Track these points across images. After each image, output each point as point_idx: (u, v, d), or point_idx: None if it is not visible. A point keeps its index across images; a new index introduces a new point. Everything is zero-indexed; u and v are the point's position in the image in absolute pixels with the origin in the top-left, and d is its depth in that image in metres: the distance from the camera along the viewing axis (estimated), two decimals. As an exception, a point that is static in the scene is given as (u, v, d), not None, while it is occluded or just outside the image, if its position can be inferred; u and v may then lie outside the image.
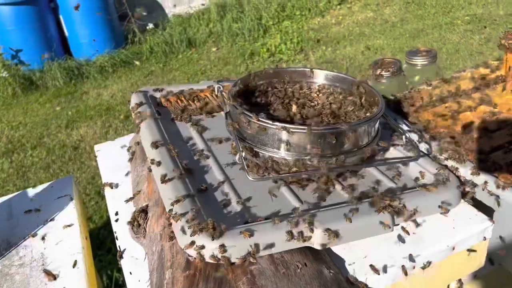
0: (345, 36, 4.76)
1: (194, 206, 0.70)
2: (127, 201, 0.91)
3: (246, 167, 0.73)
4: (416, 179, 0.83)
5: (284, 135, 0.75)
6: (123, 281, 2.33)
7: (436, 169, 0.83)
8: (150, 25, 5.45)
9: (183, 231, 0.65)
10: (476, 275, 0.90)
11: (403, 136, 0.84)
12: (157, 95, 1.10)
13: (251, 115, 0.77)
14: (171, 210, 0.70)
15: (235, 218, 0.71)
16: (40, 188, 1.16)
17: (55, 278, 0.87)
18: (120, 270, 2.19)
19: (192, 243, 0.64)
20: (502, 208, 0.77)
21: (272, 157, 0.77)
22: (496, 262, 0.83)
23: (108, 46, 5.10)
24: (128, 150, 1.07)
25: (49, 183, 1.17)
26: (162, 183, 0.76)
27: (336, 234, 0.67)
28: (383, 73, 1.25)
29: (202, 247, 0.63)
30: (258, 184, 0.79)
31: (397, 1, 5.46)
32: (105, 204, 3.07)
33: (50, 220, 1.04)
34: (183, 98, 1.07)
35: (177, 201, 0.70)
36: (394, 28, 4.75)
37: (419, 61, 1.29)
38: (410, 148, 0.87)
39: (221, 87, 0.92)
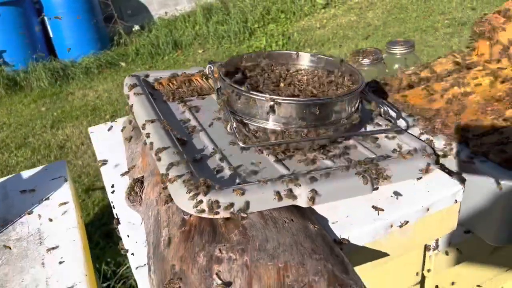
0: (329, 39, 4.86)
1: (188, 169, 0.75)
2: (122, 174, 0.95)
3: (237, 134, 0.79)
4: (394, 150, 0.90)
5: (272, 106, 0.80)
6: (111, 273, 2.34)
7: (412, 140, 0.90)
8: (136, 27, 5.47)
9: (179, 190, 0.71)
10: (450, 243, 0.97)
11: (382, 110, 0.91)
12: (150, 79, 1.15)
13: (241, 88, 0.82)
14: (167, 174, 0.75)
15: (228, 181, 0.77)
16: (34, 170, 1.20)
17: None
18: (108, 263, 2.22)
19: (189, 200, 0.69)
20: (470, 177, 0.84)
21: (261, 127, 0.83)
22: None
23: (93, 47, 5.10)
24: (122, 130, 1.12)
25: (43, 166, 1.20)
26: (157, 153, 0.81)
27: (319, 194, 0.73)
28: (363, 61, 1.32)
29: (199, 202, 0.68)
30: (248, 154, 0.85)
31: (379, 5, 5.60)
32: (92, 202, 3.06)
33: (45, 199, 1.08)
34: (174, 81, 1.12)
35: (172, 164, 0.75)
36: (377, 31, 4.87)
37: (398, 50, 1.37)
38: (388, 123, 0.93)
39: (211, 66, 0.97)
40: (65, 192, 1.09)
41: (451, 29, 4.74)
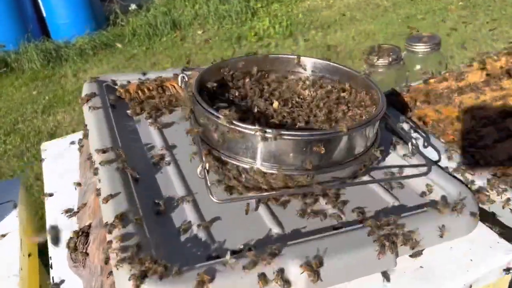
0: (336, 20, 4.58)
1: (139, 237, 0.53)
2: (69, 216, 0.74)
3: (208, 185, 0.57)
4: (423, 194, 0.68)
5: (260, 142, 0.58)
6: None
7: (447, 182, 0.67)
8: (133, 6, 5.21)
9: (122, 273, 0.49)
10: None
11: (409, 143, 0.68)
12: (117, 84, 0.93)
13: (218, 115, 0.60)
14: (110, 242, 0.53)
15: (195, 251, 0.55)
16: (-21, 191, 0.98)
17: None
18: None
19: (133, 289, 0.48)
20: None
21: (245, 169, 0.61)
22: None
23: (88, 27, 4.86)
24: (79, 149, 0.90)
25: (-9, 185, 0.99)
26: (103, 202, 0.59)
27: (323, 277, 0.52)
28: (379, 61, 1.09)
29: (146, 297, 0.47)
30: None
31: (389, -16, 5.27)
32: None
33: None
34: (145, 89, 0.90)
35: (114, 226, 0.54)
36: (386, 13, 4.59)
37: (421, 48, 1.13)
38: (416, 155, 0.71)
39: (185, 77, 0.74)
40: (9, 222, 0.88)
41: (465, 11, 4.45)
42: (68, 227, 0.73)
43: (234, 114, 0.58)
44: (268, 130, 0.56)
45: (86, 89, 0.88)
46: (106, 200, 0.59)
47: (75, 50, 4.72)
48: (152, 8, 5.17)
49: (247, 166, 0.61)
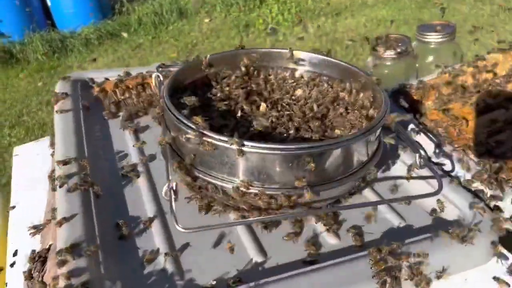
0: (346, 6, 4.44)
1: (88, 274, 0.45)
2: (32, 233, 0.66)
3: (174, 209, 0.48)
4: (433, 212, 0.58)
5: (236, 156, 0.49)
6: None
7: (461, 198, 0.57)
8: (139, -6, 5.11)
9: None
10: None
11: (416, 155, 0.58)
12: (94, 82, 0.84)
13: (190, 124, 0.51)
14: (56, 277, 0.45)
15: (157, 289, 0.46)
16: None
17: None
18: None
19: None
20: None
21: (222, 187, 0.52)
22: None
23: (93, 16, 4.79)
24: (51, 155, 0.82)
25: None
26: (57, 225, 0.51)
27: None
28: (387, 53, 0.98)
29: None
30: (205, 219, 0.54)
31: (403, -32, 5.09)
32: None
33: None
34: (123, 87, 0.81)
35: (63, 259, 0.45)
36: (399, -2, 4.42)
37: (433, 38, 1.02)
38: (424, 166, 0.61)
39: (160, 76, 0.65)
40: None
41: (481, -4, 4.27)
42: (31, 246, 0.65)
43: (204, 123, 0.49)
44: (237, 141, 0.47)
45: (58, 89, 0.79)
46: (59, 223, 0.51)
47: (80, 40, 4.67)
48: (158, -5, 5.07)
49: (224, 184, 0.51)
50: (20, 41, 4.57)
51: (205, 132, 0.49)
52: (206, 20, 4.82)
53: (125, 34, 4.74)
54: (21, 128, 3.49)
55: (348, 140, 0.52)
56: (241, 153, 0.48)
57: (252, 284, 0.44)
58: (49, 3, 4.79)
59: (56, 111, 0.72)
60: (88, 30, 4.74)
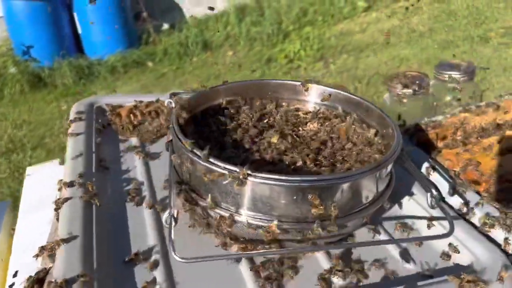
0: (368, 45, 4.48)
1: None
2: (35, 256, 0.65)
3: (172, 238, 0.47)
4: (444, 255, 0.55)
5: (239, 186, 0.48)
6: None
7: (475, 241, 0.55)
8: (166, 26, 5.26)
9: None
10: None
11: (428, 194, 0.56)
12: (109, 106, 0.85)
13: (195, 150, 0.50)
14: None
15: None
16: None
17: None
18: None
19: None
20: None
21: (224, 217, 0.51)
22: None
23: (121, 45, 4.93)
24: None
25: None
26: (56, 245, 0.50)
27: None
28: (404, 90, 0.97)
29: None
30: (206, 250, 0.52)
31: (426, 10, 5.14)
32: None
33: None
34: (137, 112, 0.81)
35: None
36: (421, 38, 4.45)
37: (452, 77, 1.01)
38: (435, 206, 0.59)
39: (172, 102, 0.65)
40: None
41: (506, 38, 4.26)
42: (32, 268, 0.64)
43: (205, 153, 0.48)
44: (238, 170, 0.46)
45: (74, 110, 0.80)
46: (58, 244, 0.50)
47: (106, 68, 4.80)
48: (185, 28, 5.21)
49: (227, 215, 0.50)
50: (49, 66, 4.71)
51: (209, 159, 0.49)
52: (230, 53, 4.92)
53: (150, 63, 4.86)
54: (43, 150, 3.56)
55: (357, 174, 0.50)
56: (243, 183, 0.47)
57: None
58: (79, 31, 4.96)
59: (68, 133, 0.72)
60: (115, 58, 4.88)
